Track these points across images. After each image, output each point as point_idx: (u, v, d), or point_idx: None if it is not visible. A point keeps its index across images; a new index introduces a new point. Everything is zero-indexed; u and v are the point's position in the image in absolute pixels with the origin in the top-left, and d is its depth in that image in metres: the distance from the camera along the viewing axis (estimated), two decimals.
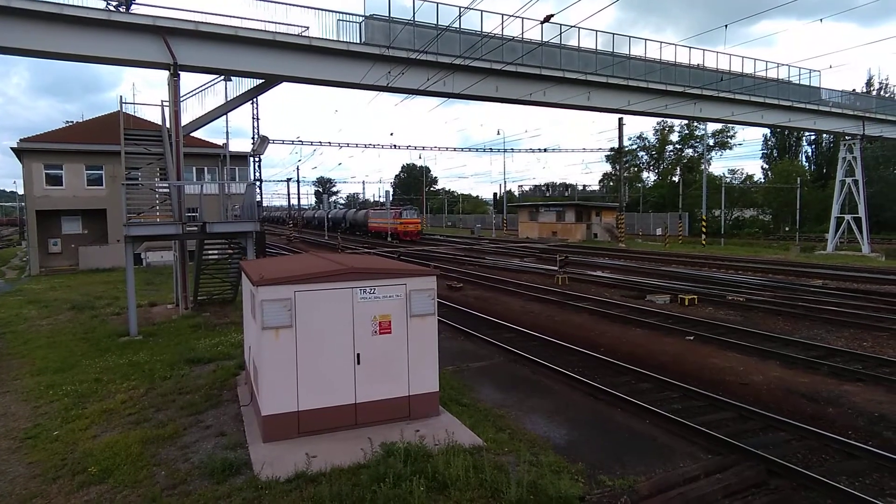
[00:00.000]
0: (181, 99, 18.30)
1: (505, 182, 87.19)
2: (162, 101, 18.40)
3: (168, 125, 18.00)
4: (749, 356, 12.30)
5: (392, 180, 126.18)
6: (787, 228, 54.47)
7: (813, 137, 63.60)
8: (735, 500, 6.37)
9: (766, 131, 66.89)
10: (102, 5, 17.27)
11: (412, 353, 8.06)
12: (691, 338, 13.99)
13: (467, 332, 14.71)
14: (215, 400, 9.44)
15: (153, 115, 28.27)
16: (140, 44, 17.74)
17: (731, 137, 68.41)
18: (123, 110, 18.90)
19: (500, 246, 45.32)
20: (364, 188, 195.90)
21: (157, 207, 18.68)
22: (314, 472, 6.52)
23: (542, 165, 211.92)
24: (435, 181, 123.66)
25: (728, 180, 65.34)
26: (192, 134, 20.83)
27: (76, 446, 7.75)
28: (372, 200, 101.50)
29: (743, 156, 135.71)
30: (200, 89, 19.70)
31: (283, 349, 7.38)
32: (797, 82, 32.80)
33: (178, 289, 18.43)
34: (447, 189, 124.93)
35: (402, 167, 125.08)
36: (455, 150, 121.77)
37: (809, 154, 67.71)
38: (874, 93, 56.68)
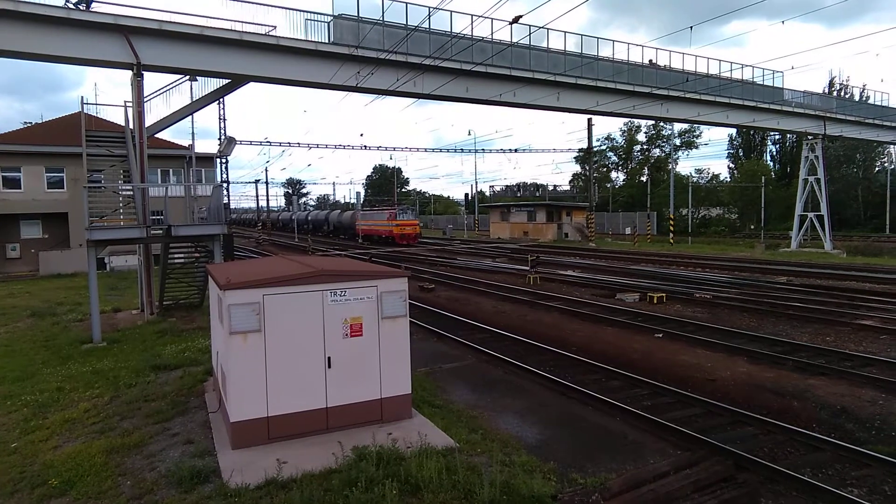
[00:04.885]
0: (145, 99, 17.91)
1: (476, 182, 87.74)
2: (125, 102, 18.00)
3: (132, 126, 17.58)
4: (717, 352, 12.51)
5: (363, 181, 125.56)
6: (752, 226, 55.71)
7: (777, 137, 65.27)
8: (704, 495, 6.46)
9: (732, 131, 68.55)
10: (61, 3, 16.78)
11: (384, 355, 7.99)
12: (660, 335, 14.19)
13: (440, 334, 14.68)
14: (182, 407, 9.22)
15: (116, 116, 27.53)
16: (101, 43, 17.27)
17: (698, 137, 70.19)
18: (85, 111, 18.40)
19: (471, 246, 45.43)
20: (335, 189, 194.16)
21: (121, 210, 18.23)
22: (285, 479, 6.41)
23: (513, 166, 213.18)
24: (406, 182, 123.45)
25: (695, 180, 66.72)
26: (156, 135, 20.40)
27: (36, 458, 7.49)
28: (344, 202, 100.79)
29: (709, 155, 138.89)
30: (165, 89, 19.34)
31: (251, 354, 7.25)
32: (761, 83, 33.53)
33: (143, 294, 18.00)
34: (419, 190, 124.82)
35: (374, 168, 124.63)
36: (426, 150, 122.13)
37: (774, 153, 69.52)
38: (835, 94, 58.39)
